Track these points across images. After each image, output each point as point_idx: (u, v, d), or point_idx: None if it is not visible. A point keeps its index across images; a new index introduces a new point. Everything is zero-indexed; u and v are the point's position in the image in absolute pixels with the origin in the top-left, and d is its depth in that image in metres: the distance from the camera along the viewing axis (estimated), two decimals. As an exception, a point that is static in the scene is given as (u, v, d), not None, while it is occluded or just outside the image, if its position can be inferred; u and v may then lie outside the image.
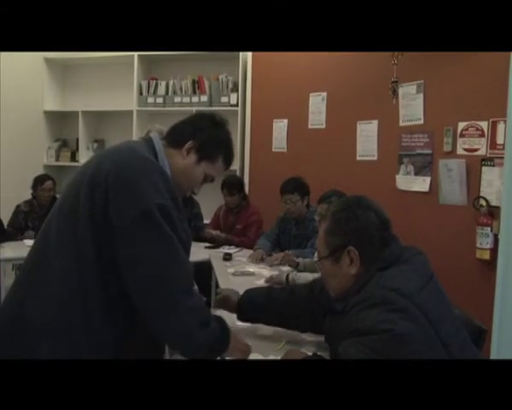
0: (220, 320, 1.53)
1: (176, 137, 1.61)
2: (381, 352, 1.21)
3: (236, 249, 3.97)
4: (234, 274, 3.15)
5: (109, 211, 1.35)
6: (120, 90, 5.49)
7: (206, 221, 4.60)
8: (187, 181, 1.61)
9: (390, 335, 1.22)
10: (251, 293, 1.98)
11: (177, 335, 1.41)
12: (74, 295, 1.38)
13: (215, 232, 4.31)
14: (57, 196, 4.50)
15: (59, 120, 5.89)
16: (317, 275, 2.85)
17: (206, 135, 1.59)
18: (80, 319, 1.38)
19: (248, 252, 3.88)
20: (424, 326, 1.25)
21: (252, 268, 3.31)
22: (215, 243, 4.19)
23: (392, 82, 3.42)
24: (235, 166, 5.11)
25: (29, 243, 3.73)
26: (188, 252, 1.52)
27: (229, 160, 1.67)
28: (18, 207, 4.49)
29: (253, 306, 1.91)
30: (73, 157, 5.73)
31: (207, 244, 4.18)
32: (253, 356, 1.70)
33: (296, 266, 3.23)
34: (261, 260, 3.59)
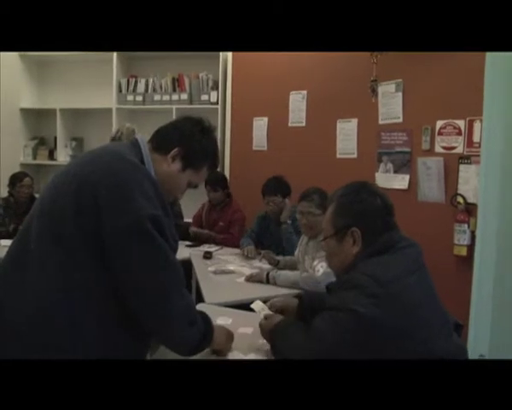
0: (203, 315, 1.57)
1: (161, 142, 1.57)
2: (346, 329, 1.35)
3: (217, 248, 3.97)
4: (214, 272, 3.15)
5: (101, 217, 1.33)
6: (99, 87, 5.42)
7: (188, 219, 4.58)
8: (170, 187, 1.59)
9: (356, 316, 1.33)
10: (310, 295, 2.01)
11: (172, 335, 1.46)
12: (57, 297, 1.35)
13: (198, 230, 4.29)
14: (36, 194, 4.44)
15: (36, 118, 5.79)
16: (297, 273, 2.87)
17: (192, 143, 1.57)
18: (64, 320, 1.35)
19: (230, 250, 3.88)
20: (394, 315, 1.32)
21: (232, 266, 3.31)
22: (197, 241, 4.17)
23: (372, 81, 3.44)
24: (216, 164, 5.09)
25: (5, 243, 3.67)
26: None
27: (214, 167, 1.67)
28: None
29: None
30: (51, 156, 5.64)
31: (188, 243, 4.15)
32: (233, 355, 1.71)
33: (276, 264, 3.24)
34: (256, 255, 3.62)
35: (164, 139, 1.58)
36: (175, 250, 1.47)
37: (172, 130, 1.60)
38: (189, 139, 1.57)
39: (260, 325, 1.80)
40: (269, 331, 1.72)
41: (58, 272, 1.35)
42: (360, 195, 1.57)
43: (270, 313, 1.89)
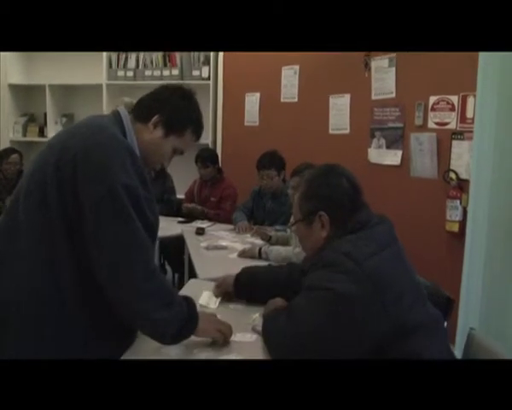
0: (188, 300, 1.52)
1: (142, 111, 1.57)
2: (323, 306, 1.37)
3: (209, 224, 3.96)
4: (207, 248, 3.15)
5: (78, 189, 1.35)
6: (89, 63, 5.30)
7: (180, 196, 4.57)
8: (155, 155, 1.59)
9: (332, 293, 1.36)
10: (249, 269, 2.02)
11: (138, 318, 1.43)
12: (45, 269, 1.38)
13: (191, 205, 4.28)
14: (24, 170, 4.41)
15: (25, 94, 5.71)
16: (289, 248, 2.87)
17: (173, 108, 1.56)
18: (52, 292, 1.38)
19: (222, 226, 3.87)
20: (367, 289, 1.33)
21: (224, 242, 3.31)
22: (190, 217, 4.17)
23: (365, 55, 3.42)
24: (207, 139, 5.07)
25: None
26: (155, 233, 1.52)
27: (198, 132, 1.64)
28: None
29: (251, 281, 1.96)
30: (41, 132, 5.58)
31: (180, 219, 4.15)
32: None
33: (269, 240, 3.24)
34: (248, 230, 3.62)
35: (145, 108, 1.57)
36: (152, 225, 1.47)
37: (152, 98, 1.59)
38: (169, 105, 1.56)
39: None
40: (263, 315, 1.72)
41: (41, 244, 1.39)
42: (326, 178, 1.58)
43: (216, 300, 1.92)
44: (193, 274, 2.73)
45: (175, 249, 4.04)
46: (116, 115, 1.54)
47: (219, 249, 3.14)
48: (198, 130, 1.63)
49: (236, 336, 1.63)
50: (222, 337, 1.56)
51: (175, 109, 1.56)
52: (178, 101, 1.58)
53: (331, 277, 1.38)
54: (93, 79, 5.27)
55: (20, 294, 1.39)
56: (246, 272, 2.00)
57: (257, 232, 3.42)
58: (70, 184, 1.36)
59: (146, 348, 1.51)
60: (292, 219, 1.75)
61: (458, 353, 1.72)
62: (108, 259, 1.36)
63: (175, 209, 4.40)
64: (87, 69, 5.33)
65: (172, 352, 1.50)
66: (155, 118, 1.54)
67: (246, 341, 1.63)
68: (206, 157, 4.30)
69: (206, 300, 1.95)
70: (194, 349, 1.53)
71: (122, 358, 1.46)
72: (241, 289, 1.94)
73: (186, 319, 1.47)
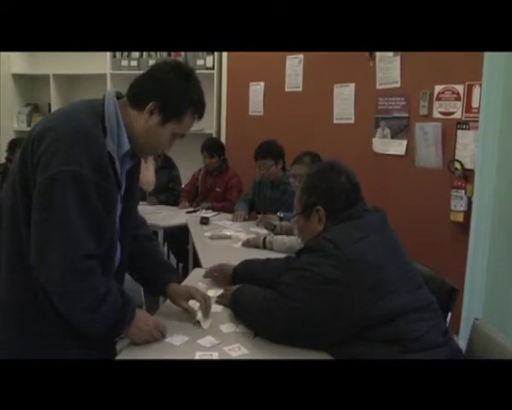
0: (124, 300, 1.46)
1: (136, 96, 1.46)
2: (306, 284, 1.47)
3: (213, 213, 3.96)
4: (211, 238, 3.15)
5: (35, 175, 1.34)
6: (93, 52, 5.32)
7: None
8: (152, 143, 1.50)
9: (314, 273, 1.46)
10: (246, 262, 2.07)
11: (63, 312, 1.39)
12: (16, 255, 1.40)
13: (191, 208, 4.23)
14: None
15: (29, 84, 5.71)
16: (293, 238, 2.87)
17: (168, 92, 1.43)
18: (23, 280, 1.40)
19: (226, 215, 3.88)
20: (347, 272, 1.42)
21: (229, 232, 3.31)
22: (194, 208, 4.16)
23: (370, 44, 3.39)
24: (212, 129, 5.06)
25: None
26: (103, 223, 1.42)
27: (199, 112, 1.50)
28: None
29: (248, 273, 2.00)
30: (46, 122, 5.58)
31: (188, 209, 4.14)
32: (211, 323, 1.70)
33: (273, 230, 3.24)
34: (243, 220, 3.66)
35: (138, 92, 1.46)
36: (99, 213, 1.38)
37: (146, 81, 1.47)
38: (166, 89, 1.43)
39: (219, 296, 1.87)
40: (231, 294, 1.76)
41: (12, 230, 1.40)
42: (326, 174, 1.66)
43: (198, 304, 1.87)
44: (197, 264, 2.73)
45: (179, 239, 4.05)
46: (101, 99, 1.46)
47: (223, 239, 3.15)
48: (199, 109, 1.50)
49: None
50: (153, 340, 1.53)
51: (171, 93, 1.43)
52: (174, 82, 1.43)
53: (314, 260, 1.49)
54: (97, 68, 5.26)
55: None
56: (243, 264, 2.05)
57: (261, 222, 3.42)
58: (30, 168, 1.35)
59: (146, 347, 1.51)
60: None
61: (462, 343, 1.72)
62: (34, 243, 1.34)
63: (179, 199, 4.40)
64: (91, 59, 5.30)
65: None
66: (150, 105, 1.42)
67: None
68: (213, 147, 4.30)
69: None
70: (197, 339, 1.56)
71: (122, 358, 1.45)
72: (238, 281, 1.96)
73: (115, 321, 1.42)
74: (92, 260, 1.37)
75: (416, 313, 1.45)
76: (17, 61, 5.49)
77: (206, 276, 2.15)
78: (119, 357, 1.47)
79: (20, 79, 5.55)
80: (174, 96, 1.43)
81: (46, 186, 1.31)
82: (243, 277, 1.97)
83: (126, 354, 1.48)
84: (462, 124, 2.97)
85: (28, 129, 5.44)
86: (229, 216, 3.84)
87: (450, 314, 1.84)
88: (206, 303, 1.69)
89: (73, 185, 1.31)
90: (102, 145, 1.37)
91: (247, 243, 2.94)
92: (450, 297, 1.87)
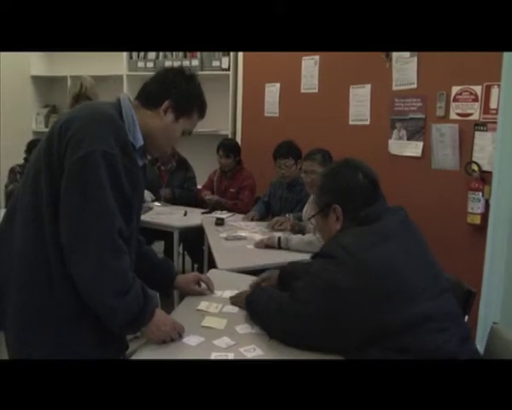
0: (145, 295, 1.49)
1: (150, 97, 1.60)
2: (316, 292, 1.45)
3: (229, 214, 3.97)
4: (226, 239, 3.16)
5: (62, 162, 1.38)
6: (110, 54, 5.32)
7: (199, 186, 4.59)
8: (167, 140, 1.64)
9: (324, 279, 1.44)
10: (292, 263, 2.05)
11: (91, 301, 1.41)
12: (35, 246, 1.41)
13: (212, 197, 4.28)
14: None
15: (47, 86, 5.79)
16: (309, 234, 2.86)
17: (180, 91, 1.59)
18: (41, 271, 1.41)
19: (241, 216, 3.89)
20: (360, 279, 1.39)
21: (244, 233, 3.32)
22: (209, 208, 4.19)
23: (386, 45, 3.37)
24: (227, 130, 5.07)
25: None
26: (130, 205, 1.50)
27: (203, 111, 1.68)
28: (12, 169, 4.43)
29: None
30: (63, 123, 5.64)
31: (203, 210, 4.17)
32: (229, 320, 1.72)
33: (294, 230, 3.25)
34: (251, 220, 3.70)
35: (152, 94, 1.60)
36: (127, 197, 1.46)
37: (158, 83, 1.61)
38: (177, 89, 1.58)
39: (232, 297, 1.86)
40: (245, 297, 1.76)
41: (33, 222, 1.42)
42: (341, 172, 1.65)
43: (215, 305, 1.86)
44: (212, 264, 2.74)
45: (195, 240, 4.06)
46: (117, 102, 1.56)
47: (239, 240, 3.15)
48: (203, 109, 1.67)
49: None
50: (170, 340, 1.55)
51: (181, 92, 1.59)
52: (183, 83, 1.60)
53: (325, 266, 1.46)
54: (114, 70, 5.31)
55: (13, 274, 1.44)
56: (290, 265, 2.03)
57: (291, 225, 3.34)
58: (57, 159, 1.39)
59: (162, 347, 1.52)
60: (305, 208, 1.79)
61: (479, 347, 1.71)
62: (69, 228, 1.36)
63: (195, 200, 4.43)
64: (108, 60, 5.36)
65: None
66: (165, 104, 1.57)
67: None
68: (229, 147, 4.32)
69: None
70: (213, 340, 1.56)
71: (139, 358, 1.45)
72: (285, 282, 1.92)
73: (136, 314, 1.44)
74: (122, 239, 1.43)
75: (434, 323, 1.40)
76: (36, 63, 5.57)
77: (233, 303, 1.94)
78: (135, 356, 1.47)
79: (38, 80, 5.63)
80: (184, 94, 1.60)
81: (78, 167, 1.35)
82: (289, 278, 1.91)
83: (142, 353, 1.48)
84: (480, 125, 2.93)
85: (46, 130, 5.56)
86: (244, 217, 3.86)
87: (466, 318, 1.83)
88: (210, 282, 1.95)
89: (105, 163, 1.37)
90: (126, 133, 1.48)
91: (260, 244, 2.94)
92: (467, 300, 1.86)
